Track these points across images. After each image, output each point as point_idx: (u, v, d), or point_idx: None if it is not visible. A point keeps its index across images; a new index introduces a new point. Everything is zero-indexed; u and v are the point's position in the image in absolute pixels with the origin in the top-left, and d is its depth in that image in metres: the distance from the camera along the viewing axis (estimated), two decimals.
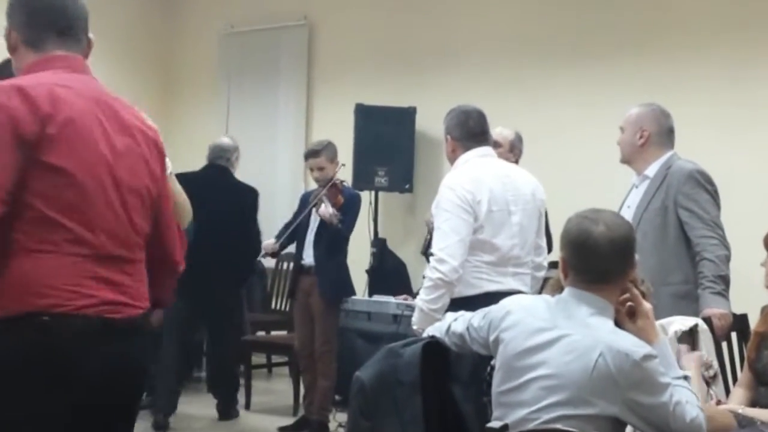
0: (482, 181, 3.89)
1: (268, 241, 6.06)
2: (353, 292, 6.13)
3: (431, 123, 7.45)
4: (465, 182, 3.88)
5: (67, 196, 2.20)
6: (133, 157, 2.37)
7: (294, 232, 5.93)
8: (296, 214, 6.00)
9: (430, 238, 5.13)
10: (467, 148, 4.04)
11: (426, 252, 5.24)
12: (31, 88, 2.21)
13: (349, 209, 5.70)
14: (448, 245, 3.76)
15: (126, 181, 2.33)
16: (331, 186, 5.60)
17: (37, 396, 2.17)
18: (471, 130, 4.05)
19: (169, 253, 2.54)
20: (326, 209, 5.51)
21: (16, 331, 2.17)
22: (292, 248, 6.09)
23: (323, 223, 5.65)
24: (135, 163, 2.37)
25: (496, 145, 5.20)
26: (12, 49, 2.41)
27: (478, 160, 4.01)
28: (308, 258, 5.80)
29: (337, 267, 5.79)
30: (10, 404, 2.17)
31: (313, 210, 5.69)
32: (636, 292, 2.66)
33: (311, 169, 5.75)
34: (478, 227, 3.82)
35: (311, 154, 5.75)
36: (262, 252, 6.14)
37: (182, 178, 2.89)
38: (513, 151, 5.25)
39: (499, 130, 5.26)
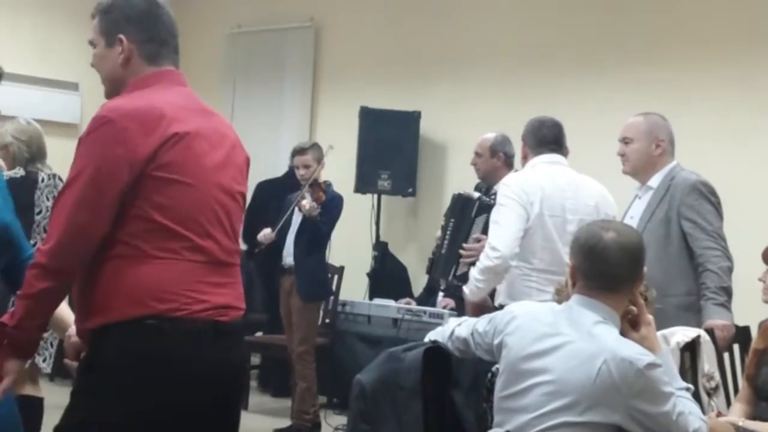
0: (538, 184, 3.95)
1: (264, 231, 6.03)
2: (330, 292, 6.17)
3: (435, 127, 7.47)
4: (521, 182, 3.99)
5: (183, 207, 2.33)
6: (231, 166, 2.49)
7: (280, 232, 5.97)
8: (283, 211, 6.05)
9: (433, 258, 5.13)
10: (537, 155, 4.12)
11: (430, 272, 5.23)
12: (143, 108, 2.31)
13: (330, 209, 5.75)
14: (500, 234, 3.87)
15: (228, 190, 2.45)
16: (315, 184, 5.69)
17: (149, 396, 2.27)
18: (543, 137, 4.13)
19: None
20: (306, 202, 5.57)
21: (134, 333, 2.27)
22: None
23: (304, 223, 5.71)
24: (233, 172, 2.50)
25: (477, 155, 5.22)
26: (124, 59, 2.46)
27: (544, 166, 4.07)
28: (288, 257, 5.87)
29: (314, 265, 5.83)
30: (124, 404, 2.26)
31: (296, 210, 5.75)
32: (641, 302, 2.66)
33: (297, 167, 5.82)
34: (527, 229, 3.85)
35: (298, 151, 5.85)
36: (260, 243, 6.14)
37: None
38: (495, 156, 5.19)
39: (479, 140, 5.25)
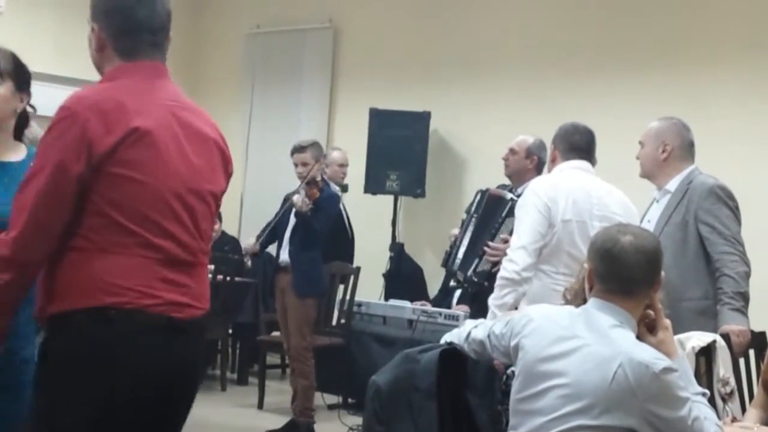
0: (564, 189, 3.93)
1: (248, 241, 6.09)
2: (324, 289, 6.17)
3: (446, 128, 7.49)
4: (546, 187, 3.96)
5: (139, 205, 2.32)
6: (204, 165, 2.47)
7: (274, 231, 6.01)
8: (278, 212, 6.07)
9: (450, 252, 5.15)
10: (566, 159, 4.10)
11: (446, 264, 5.23)
12: (106, 101, 2.31)
13: (324, 207, 5.77)
14: (520, 246, 3.84)
15: (196, 189, 2.43)
16: (312, 182, 5.71)
17: (98, 383, 2.27)
18: (575, 143, 4.11)
19: None
20: (298, 198, 5.60)
21: (82, 324, 2.28)
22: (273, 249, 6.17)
23: (297, 219, 5.73)
24: (205, 171, 2.47)
25: (511, 152, 5.23)
26: (98, 48, 2.48)
27: (571, 172, 4.06)
28: (284, 255, 5.89)
29: (308, 262, 5.83)
30: (74, 390, 2.28)
31: (293, 209, 5.77)
32: (659, 306, 2.66)
33: (296, 164, 5.83)
34: (552, 234, 3.85)
35: (297, 149, 5.85)
36: (244, 253, 6.18)
37: None
38: (529, 158, 5.23)
39: (518, 138, 5.27)
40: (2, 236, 2.30)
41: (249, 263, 5.94)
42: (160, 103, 2.41)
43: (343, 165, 6.81)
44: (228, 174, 2.60)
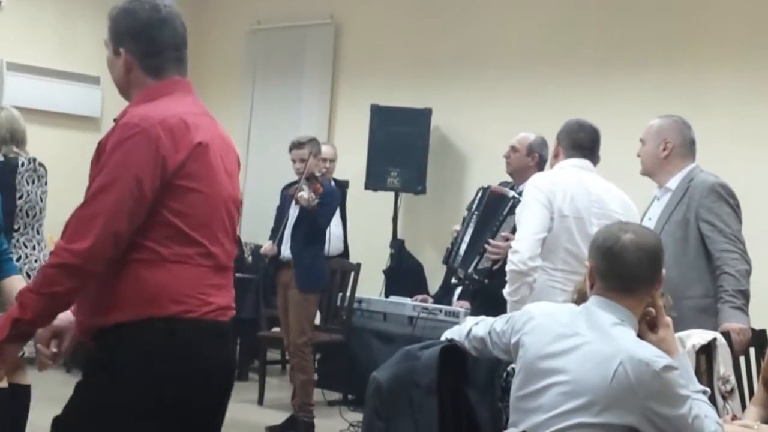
0: (563, 185, 3.96)
1: (266, 245, 6.07)
2: (326, 285, 6.17)
3: (447, 124, 7.49)
4: (545, 181, 4.00)
5: (200, 215, 2.42)
6: (233, 173, 2.59)
7: (278, 227, 5.99)
8: (280, 210, 6.06)
9: (452, 249, 5.15)
10: (569, 157, 4.12)
11: (447, 261, 5.24)
12: (171, 118, 2.38)
13: (327, 201, 5.77)
14: (523, 237, 3.88)
15: (234, 198, 2.56)
16: (311, 177, 5.72)
17: (160, 393, 2.35)
18: (579, 141, 4.13)
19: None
20: (305, 194, 5.61)
21: (147, 333, 2.35)
22: None
23: (301, 216, 5.74)
24: (234, 179, 2.60)
25: (513, 149, 5.24)
26: (126, 70, 2.51)
27: (572, 170, 4.07)
28: (286, 251, 5.88)
29: (312, 257, 5.84)
30: (135, 400, 2.34)
31: (293, 204, 5.78)
32: (660, 303, 2.66)
33: (294, 161, 5.82)
34: (550, 229, 3.87)
35: (295, 145, 5.84)
36: (264, 256, 6.18)
37: None
38: (531, 155, 5.23)
39: (519, 136, 5.27)
40: (61, 243, 2.33)
41: (267, 262, 5.95)
42: (202, 117, 2.50)
43: (327, 159, 6.74)
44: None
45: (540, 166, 5.19)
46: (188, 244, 2.40)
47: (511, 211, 4.60)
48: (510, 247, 4.05)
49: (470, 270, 4.91)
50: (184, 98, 2.51)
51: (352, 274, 6.70)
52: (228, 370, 2.60)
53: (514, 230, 4.32)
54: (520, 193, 4.61)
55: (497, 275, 4.45)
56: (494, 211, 4.91)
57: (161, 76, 2.51)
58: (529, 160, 5.20)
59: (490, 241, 4.74)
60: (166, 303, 2.35)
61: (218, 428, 2.60)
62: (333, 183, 6.55)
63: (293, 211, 5.86)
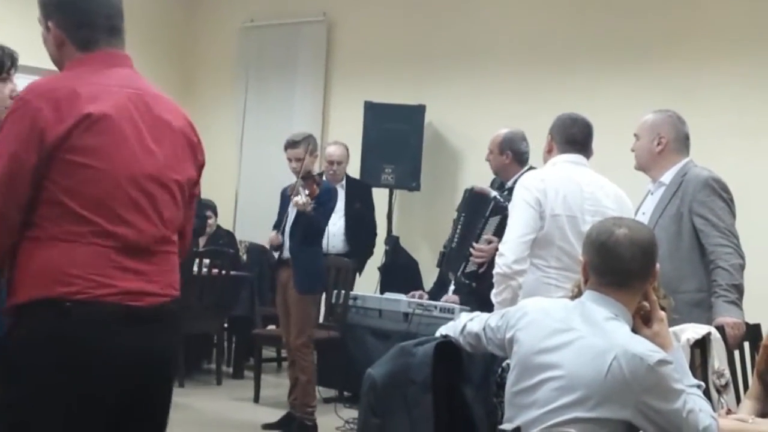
0: (554, 183, 3.92)
1: (270, 234, 6.05)
2: (324, 285, 6.16)
3: (441, 121, 7.49)
4: (535, 181, 3.95)
5: (94, 192, 2.29)
6: (167, 152, 2.44)
7: (277, 226, 5.97)
8: (281, 209, 6.05)
9: (444, 252, 5.16)
10: (562, 152, 4.08)
11: (441, 265, 5.25)
12: (59, 89, 2.28)
13: (324, 201, 5.74)
14: (508, 240, 3.86)
15: (156, 176, 2.40)
16: (308, 177, 5.67)
17: (56, 377, 2.25)
18: (572, 136, 4.08)
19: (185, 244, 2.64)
20: (300, 198, 5.57)
21: (38, 315, 2.26)
22: None
23: (299, 216, 5.70)
24: (168, 158, 2.44)
25: (489, 151, 5.25)
26: (58, 44, 2.45)
27: (565, 165, 4.04)
28: (285, 251, 5.85)
29: (311, 257, 5.81)
30: (31, 385, 2.25)
31: (291, 204, 5.75)
32: (654, 297, 2.66)
33: (289, 160, 5.77)
34: (543, 227, 3.85)
35: (290, 144, 5.78)
36: (270, 247, 6.16)
37: None
38: (503, 153, 5.22)
39: (492, 136, 5.27)
40: None
41: (276, 256, 5.92)
42: (118, 90, 2.38)
43: (333, 162, 6.76)
44: (198, 163, 2.57)
45: (518, 160, 5.19)
46: (80, 223, 2.28)
47: (493, 212, 4.61)
48: (495, 249, 4.04)
49: (459, 274, 4.93)
50: (101, 71, 2.38)
51: (349, 272, 6.69)
52: (150, 359, 2.39)
53: (497, 231, 4.32)
54: (509, 191, 4.60)
55: (483, 278, 4.44)
56: (477, 212, 4.92)
57: (91, 48, 2.41)
58: (504, 158, 5.21)
59: (474, 245, 4.74)
60: (51, 284, 2.25)
61: (154, 421, 2.49)
62: (345, 182, 6.49)
63: (292, 210, 5.83)
